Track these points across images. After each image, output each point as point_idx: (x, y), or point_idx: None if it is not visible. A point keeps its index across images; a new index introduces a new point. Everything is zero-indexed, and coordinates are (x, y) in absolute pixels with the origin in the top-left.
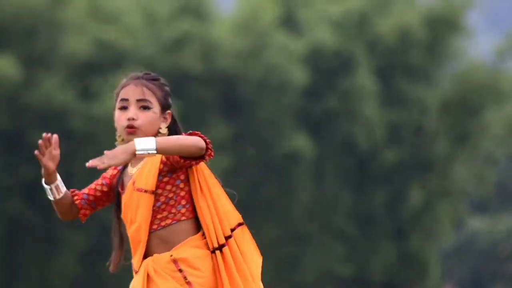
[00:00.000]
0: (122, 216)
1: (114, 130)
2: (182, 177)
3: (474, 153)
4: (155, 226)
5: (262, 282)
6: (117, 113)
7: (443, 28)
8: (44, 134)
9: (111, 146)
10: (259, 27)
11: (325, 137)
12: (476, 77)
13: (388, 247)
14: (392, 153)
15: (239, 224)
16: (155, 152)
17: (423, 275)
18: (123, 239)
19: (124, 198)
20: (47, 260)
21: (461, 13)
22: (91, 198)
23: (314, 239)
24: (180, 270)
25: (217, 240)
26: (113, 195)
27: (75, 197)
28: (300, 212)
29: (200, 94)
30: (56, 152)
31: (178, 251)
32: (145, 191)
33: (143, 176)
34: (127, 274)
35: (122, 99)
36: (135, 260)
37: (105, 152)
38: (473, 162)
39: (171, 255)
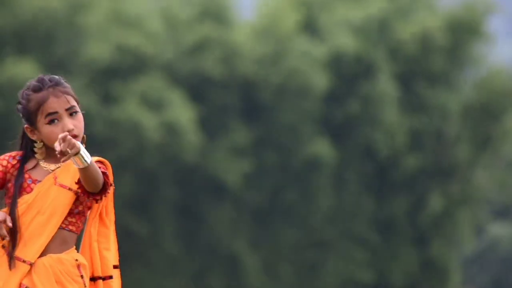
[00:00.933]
0: (27, 205)
1: (135, 135)
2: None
3: (495, 158)
4: (63, 225)
5: None
6: (48, 128)
7: (464, 34)
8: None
9: (132, 150)
10: (279, 32)
11: (346, 143)
12: (497, 83)
13: (409, 254)
14: (413, 159)
15: (115, 267)
16: (86, 165)
17: (444, 281)
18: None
19: (39, 188)
20: None
21: (483, 19)
22: None
23: (335, 245)
24: (82, 276)
25: (102, 271)
26: (2, 182)
27: None
28: (320, 218)
29: (221, 98)
30: None
31: (78, 256)
32: (69, 189)
33: (68, 174)
34: (148, 277)
35: (51, 113)
36: (29, 251)
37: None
38: (494, 168)
39: (76, 259)
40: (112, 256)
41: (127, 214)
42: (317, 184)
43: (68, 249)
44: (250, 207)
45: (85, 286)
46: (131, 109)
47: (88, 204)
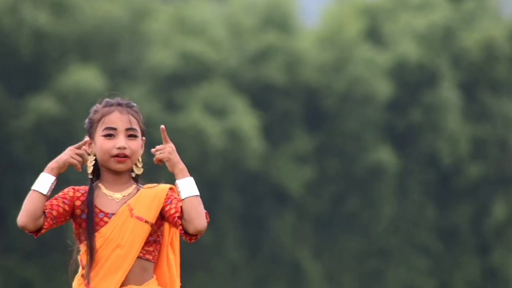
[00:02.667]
0: (104, 239)
1: (199, 142)
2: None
3: None
4: (140, 254)
5: None
6: (102, 140)
7: None
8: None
9: (196, 157)
10: (343, 40)
11: (409, 151)
12: None
13: (471, 262)
14: (476, 168)
15: None
16: (195, 193)
17: None
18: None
19: (115, 221)
20: None
21: None
22: (54, 213)
23: (397, 254)
24: None
25: None
26: (69, 216)
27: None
28: (383, 226)
29: (284, 106)
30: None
31: None
32: (146, 222)
33: (143, 206)
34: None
35: (109, 128)
36: (108, 284)
37: (168, 146)
38: None
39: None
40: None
41: None
42: (379, 192)
43: (147, 277)
44: (312, 215)
45: None
46: (195, 116)
47: (162, 231)
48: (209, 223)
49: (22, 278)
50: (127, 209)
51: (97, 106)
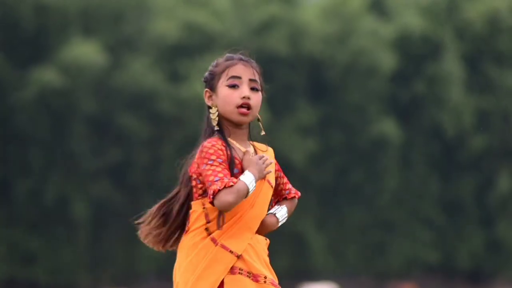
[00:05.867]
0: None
1: (202, 113)
2: None
3: None
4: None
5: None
6: (227, 90)
7: None
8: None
9: (198, 129)
10: (347, 11)
11: (412, 123)
12: None
13: (475, 234)
14: (480, 140)
15: None
16: (282, 219)
17: (510, 262)
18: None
19: (260, 186)
20: (134, 245)
21: None
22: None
23: (401, 226)
24: (268, 255)
25: None
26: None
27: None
28: (386, 199)
29: (287, 77)
30: None
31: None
32: (272, 186)
33: (273, 172)
34: None
35: (234, 76)
36: (238, 244)
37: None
38: None
39: (266, 238)
40: None
41: None
42: (383, 164)
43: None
44: (316, 187)
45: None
46: (198, 87)
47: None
48: (298, 197)
49: (26, 249)
50: None
51: (218, 60)
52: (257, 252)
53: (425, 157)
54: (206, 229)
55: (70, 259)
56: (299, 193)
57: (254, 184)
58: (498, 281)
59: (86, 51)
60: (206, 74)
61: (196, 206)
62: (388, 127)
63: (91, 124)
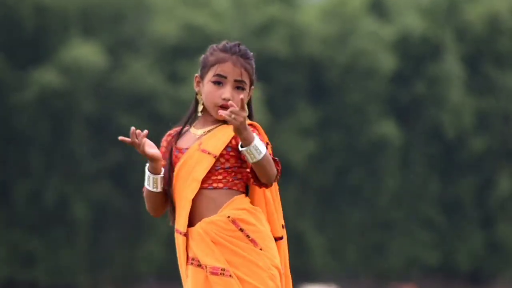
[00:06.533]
0: (175, 174)
1: None
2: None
3: None
4: (205, 185)
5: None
6: (210, 86)
7: None
8: (132, 129)
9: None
10: (347, 12)
11: (412, 124)
12: None
13: (475, 235)
14: (480, 141)
15: (282, 226)
16: (258, 159)
17: (510, 263)
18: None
19: (184, 156)
20: (134, 246)
21: None
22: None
23: (400, 226)
24: (241, 229)
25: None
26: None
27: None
28: (386, 199)
29: (287, 78)
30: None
31: (232, 212)
32: (209, 153)
33: (212, 140)
34: None
35: (219, 75)
36: (180, 221)
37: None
38: None
39: (228, 216)
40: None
41: None
42: (383, 165)
43: (222, 204)
44: (316, 187)
45: (248, 238)
46: None
47: (243, 165)
48: (280, 170)
49: (26, 251)
50: (197, 144)
51: (214, 47)
52: (209, 236)
53: (425, 157)
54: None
55: (70, 260)
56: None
57: (151, 178)
58: (498, 281)
59: (86, 52)
60: (202, 57)
61: None
62: (388, 128)
63: (91, 125)
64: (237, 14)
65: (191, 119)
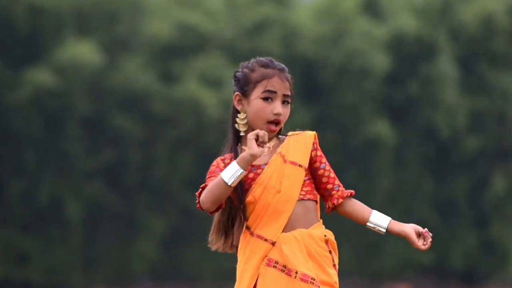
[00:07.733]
0: (261, 185)
1: (195, 114)
2: None
3: None
4: (301, 196)
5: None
6: (260, 103)
7: None
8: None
9: (193, 128)
10: (340, 12)
11: (406, 124)
12: None
13: (469, 235)
14: (474, 141)
15: None
16: (384, 227)
17: (504, 263)
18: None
19: (269, 170)
20: (128, 245)
21: None
22: None
23: None
24: (330, 252)
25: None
26: None
27: None
28: (380, 199)
29: None
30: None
31: (327, 232)
32: (300, 166)
33: (295, 151)
34: (207, 258)
35: (270, 91)
36: (271, 231)
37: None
38: None
39: (325, 235)
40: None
41: (187, 192)
42: (376, 165)
43: (312, 218)
44: None
45: (333, 262)
46: (191, 88)
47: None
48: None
49: (20, 249)
50: (279, 157)
51: (252, 64)
52: (304, 246)
53: (419, 157)
54: (246, 226)
55: (64, 259)
56: (353, 192)
57: (239, 173)
58: (492, 282)
59: (80, 52)
60: (239, 75)
61: None
62: (382, 128)
63: (85, 124)
64: (231, 14)
65: (236, 140)
